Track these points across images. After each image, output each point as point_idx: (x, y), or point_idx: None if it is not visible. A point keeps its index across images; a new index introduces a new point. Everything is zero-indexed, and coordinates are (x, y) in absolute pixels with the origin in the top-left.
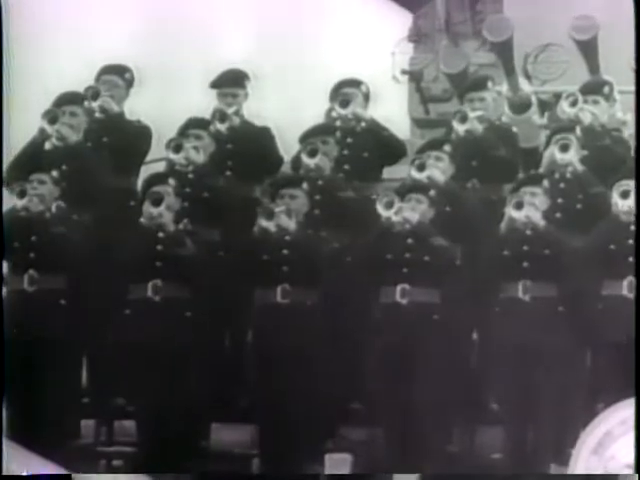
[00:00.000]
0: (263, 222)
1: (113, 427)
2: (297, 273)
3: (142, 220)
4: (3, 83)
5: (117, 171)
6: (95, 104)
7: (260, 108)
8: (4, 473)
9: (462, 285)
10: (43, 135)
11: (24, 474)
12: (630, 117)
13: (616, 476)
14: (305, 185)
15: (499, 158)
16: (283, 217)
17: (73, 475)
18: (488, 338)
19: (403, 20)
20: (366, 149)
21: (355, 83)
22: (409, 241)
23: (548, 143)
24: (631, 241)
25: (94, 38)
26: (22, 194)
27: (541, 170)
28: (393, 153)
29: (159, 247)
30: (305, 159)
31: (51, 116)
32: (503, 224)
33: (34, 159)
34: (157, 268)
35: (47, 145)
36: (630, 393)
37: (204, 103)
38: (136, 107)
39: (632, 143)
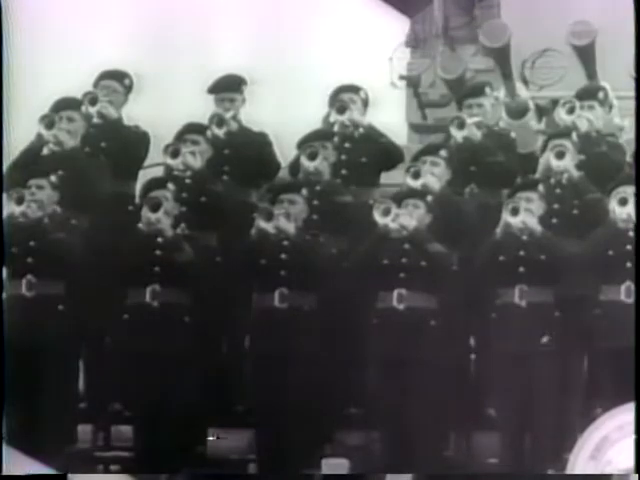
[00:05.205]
0: (261, 224)
1: (110, 432)
2: (295, 278)
3: (140, 225)
4: (3, 88)
5: (115, 176)
6: (93, 109)
7: (258, 113)
8: (4, 473)
9: (459, 290)
10: (40, 140)
11: (23, 474)
12: (628, 123)
13: (615, 476)
14: (304, 191)
15: (497, 164)
16: (282, 219)
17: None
18: (485, 343)
19: (400, 25)
20: (364, 154)
21: (354, 89)
22: (406, 246)
23: (544, 149)
24: (629, 247)
25: (93, 44)
26: (20, 200)
27: (537, 176)
28: (391, 158)
29: (157, 252)
30: (305, 162)
31: (48, 121)
32: (499, 229)
33: (32, 165)
34: (155, 273)
35: (45, 150)
36: (627, 398)
37: (202, 108)
38: (134, 112)
39: (628, 149)
